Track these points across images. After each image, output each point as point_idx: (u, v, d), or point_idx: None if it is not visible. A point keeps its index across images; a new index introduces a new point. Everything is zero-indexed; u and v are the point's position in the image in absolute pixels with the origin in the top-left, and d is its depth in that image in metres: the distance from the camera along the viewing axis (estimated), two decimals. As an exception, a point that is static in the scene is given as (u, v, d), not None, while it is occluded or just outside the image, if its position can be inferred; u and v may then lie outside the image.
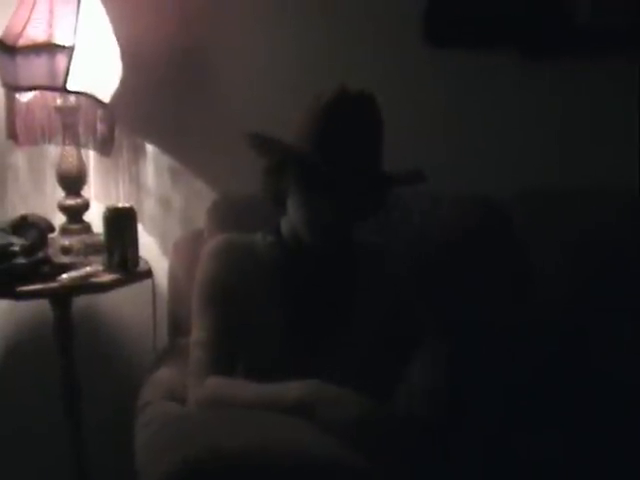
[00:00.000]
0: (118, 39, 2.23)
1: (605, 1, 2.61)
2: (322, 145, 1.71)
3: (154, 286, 2.27)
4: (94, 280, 2.12)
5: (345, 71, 2.39)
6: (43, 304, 2.19)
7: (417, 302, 1.94)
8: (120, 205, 2.25)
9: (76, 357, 2.24)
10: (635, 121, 2.62)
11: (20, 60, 2.10)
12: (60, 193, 2.32)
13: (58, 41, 2.10)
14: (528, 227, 2.38)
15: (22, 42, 2.09)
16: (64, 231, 2.28)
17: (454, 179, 2.45)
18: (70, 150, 2.27)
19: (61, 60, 2.09)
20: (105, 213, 2.18)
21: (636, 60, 2.59)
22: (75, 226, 2.29)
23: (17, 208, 2.39)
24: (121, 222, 2.18)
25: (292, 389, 1.61)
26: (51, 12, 2.09)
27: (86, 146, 2.23)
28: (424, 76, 2.55)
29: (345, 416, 1.56)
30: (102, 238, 2.19)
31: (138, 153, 2.50)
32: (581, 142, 2.62)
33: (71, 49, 2.09)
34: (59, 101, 2.20)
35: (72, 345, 2.23)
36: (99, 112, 2.20)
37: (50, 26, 2.09)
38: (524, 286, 2.31)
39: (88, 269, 2.13)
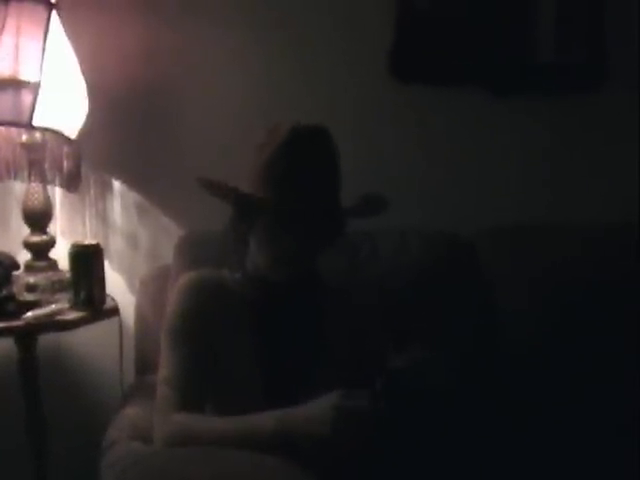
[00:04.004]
0: (84, 75, 2.22)
1: (568, 39, 2.64)
2: (279, 184, 1.71)
3: (121, 323, 2.25)
4: (60, 318, 2.10)
5: (313, 107, 2.40)
6: (8, 342, 2.16)
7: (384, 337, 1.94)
8: (86, 242, 2.24)
9: (42, 395, 2.21)
10: (602, 156, 2.65)
11: (-15, 96, 2.08)
12: (25, 230, 2.29)
13: (24, 77, 2.09)
14: (495, 263, 2.39)
15: (-13, 78, 2.08)
16: (29, 268, 2.25)
17: (421, 215, 2.46)
18: (36, 186, 2.26)
19: (26, 96, 2.07)
20: (71, 250, 2.16)
21: (599, 96, 2.62)
22: (41, 263, 2.26)
23: (-19, 245, 2.36)
24: (87, 259, 2.17)
25: (265, 420, 1.60)
26: (17, 47, 2.08)
27: (52, 182, 2.20)
28: (390, 112, 2.57)
29: (321, 428, 1.54)
30: (68, 275, 2.18)
31: (104, 189, 2.49)
32: (548, 178, 2.65)
33: (37, 85, 2.07)
34: (25, 137, 2.18)
35: (37, 383, 2.20)
36: (65, 148, 2.18)
37: (16, 62, 2.08)
38: (490, 322, 2.32)
39: (54, 307, 2.11)
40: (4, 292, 2.08)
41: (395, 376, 1.60)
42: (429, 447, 1.69)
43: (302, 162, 1.72)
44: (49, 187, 2.28)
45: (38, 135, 2.17)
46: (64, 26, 2.19)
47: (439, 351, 1.69)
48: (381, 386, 1.58)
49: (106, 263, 2.28)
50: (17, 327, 2.05)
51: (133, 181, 2.49)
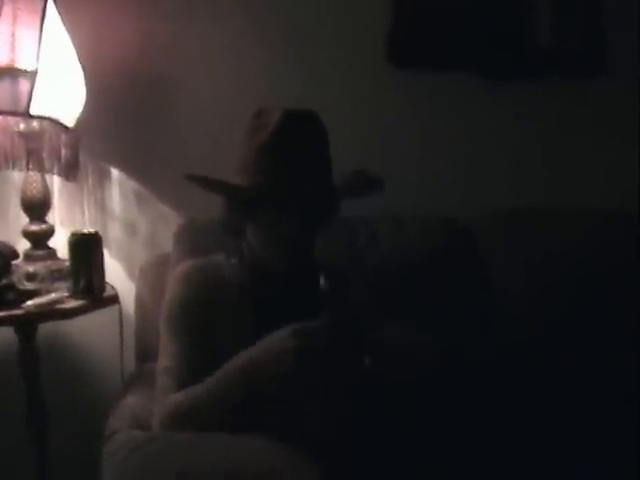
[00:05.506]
0: (82, 63, 2.22)
1: (566, 24, 2.64)
2: (274, 170, 1.71)
3: (121, 311, 2.25)
4: (59, 306, 2.10)
5: (309, 94, 2.40)
6: (8, 331, 2.16)
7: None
8: (85, 230, 2.23)
9: (42, 384, 2.21)
10: (600, 141, 2.66)
11: (-18, 85, 2.08)
12: (24, 219, 2.29)
13: (21, 65, 2.08)
14: (493, 248, 2.39)
15: (-16, 67, 2.08)
16: (28, 257, 2.25)
17: (419, 201, 2.46)
18: (34, 175, 2.25)
19: (24, 85, 2.07)
20: (70, 238, 2.16)
21: (597, 81, 2.62)
22: (40, 252, 2.26)
23: (-20, 235, 2.36)
24: (86, 247, 2.16)
25: (233, 370, 1.63)
26: (13, 36, 2.07)
27: (50, 171, 2.20)
28: (386, 97, 2.57)
29: (282, 369, 1.57)
30: (67, 264, 2.18)
31: (103, 178, 2.48)
32: (545, 163, 2.65)
33: (34, 73, 2.07)
34: (22, 126, 2.17)
35: (38, 372, 2.20)
36: (63, 137, 2.18)
37: (13, 50, 2.07)
38: (488, 307, 2.32)
39: (53, 295, 2.11)
40: (4, 281, 2.07)
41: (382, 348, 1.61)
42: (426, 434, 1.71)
43: (295, 146, 1.72)
44: (47, 176, 2.28)
45: (36, 124, 2.17)
46: (61, 14, 2.18)
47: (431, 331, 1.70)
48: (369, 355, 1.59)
49: (105, 251, 2.28)
50: (17, 316, 2.05)
51: (131, 169, 2.49)
